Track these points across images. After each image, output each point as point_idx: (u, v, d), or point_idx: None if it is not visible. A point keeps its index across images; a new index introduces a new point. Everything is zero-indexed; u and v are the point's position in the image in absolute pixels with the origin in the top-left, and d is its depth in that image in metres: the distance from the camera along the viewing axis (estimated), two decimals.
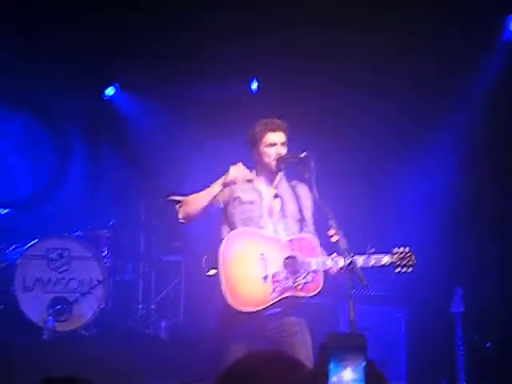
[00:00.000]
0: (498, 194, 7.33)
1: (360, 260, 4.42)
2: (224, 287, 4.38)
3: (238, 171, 4.62)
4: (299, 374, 2.06)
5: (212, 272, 4.45)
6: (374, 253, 4.53)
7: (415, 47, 7.15)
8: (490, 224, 7.34)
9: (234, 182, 4.61)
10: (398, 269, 4.60)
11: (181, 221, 4.73)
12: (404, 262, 4.58)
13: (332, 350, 2.04)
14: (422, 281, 7.17)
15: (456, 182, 7.44)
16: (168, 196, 4.77)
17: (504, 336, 6.92)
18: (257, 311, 4.43)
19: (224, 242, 4.48)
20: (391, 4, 6.84)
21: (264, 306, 4.44)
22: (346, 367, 2.05)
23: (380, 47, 7.22)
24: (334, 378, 2.04)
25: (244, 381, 2.02)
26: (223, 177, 4.63)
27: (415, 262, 4.60)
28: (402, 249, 4.60)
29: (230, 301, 4.36)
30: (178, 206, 4.71)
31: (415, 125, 7.52)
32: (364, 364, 2.05)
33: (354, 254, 4.31)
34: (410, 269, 4.60)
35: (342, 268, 4.39)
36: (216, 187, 4.64)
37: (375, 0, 6.95)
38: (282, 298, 4.48)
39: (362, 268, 4.33)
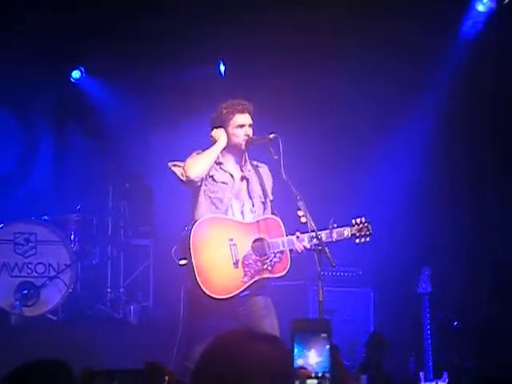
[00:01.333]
0: (471, 170, 7.39)
1: (323, 235, 4.48)
2: (196, 276, 4.38)
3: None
4: (281, 350, 2.07)
5: (183, 262, 4.44)
6: (335, 227, 4.62)
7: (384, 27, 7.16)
8: (460, 201, 7.40)
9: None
10: (357, 240, 4.77)
11: (192, 178, 4.60)
12: (362, 233, 4.76)
13: (297, 333, 2.06)
14: (390, 261, 7.25)
15: (427, 158, 7.50)
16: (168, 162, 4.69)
17: (471, 313, 7.00)
18: (230, 297, 4.43)
19: (192, 230, 4.47)
20: None
21: (237, 292, 4.47)
22: (310, 350, 2.07)
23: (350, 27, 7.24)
24: (300, 360, 2.05)
25: (229, 359, 2.02)
26: (220, 134, 4.68)
27: (371, 231, 4.78)
28: (359, 219, 4.77)
29: (204, 289, 4.36)
30: (182, 167, 4.63)
31: (385, 105, 7.55)
32: (328, 347, 2.07)
33: (318, 230, 4.37)
34: (368, 238, 4.79)
35: (309, 248, 4.42)
36: (221, 143, 4.66)
37: None
38: (254, 282, 4.49)
39: (327, 243, 4.39)
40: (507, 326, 6.71)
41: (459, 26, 7.38)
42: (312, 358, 2.07)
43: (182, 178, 4.59)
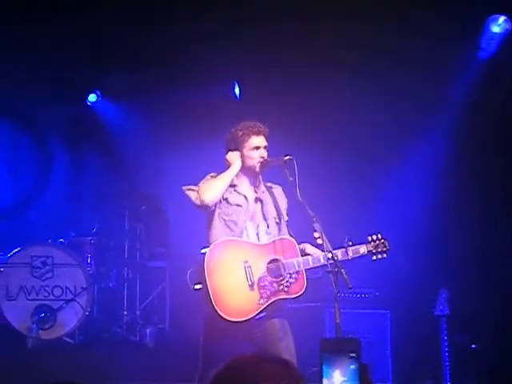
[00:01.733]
0: (484, 195, 7.36)
1: (339, 254, 4.46)
2: (212, 299, 4.37)
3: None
4: (292, 373, 2.07)
5: (198, 286, 4.43)
6: (351, 245, 4.59)
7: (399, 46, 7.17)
8: (476, 223, 7.37)
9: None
10: (374, 256, 4.72)
11: (206, 203, 4.58)
12: (379, 249, 4.71)
13: (323, 353, 2.07)
14: (407, 283, 7.21)
15: (441, 180, 7.48)
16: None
17: (489, 337, 6.95)
18: (247, 320, 4.42)
19: (207, 254, 4.46)
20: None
21: (254, 314, 4.44)
22: (334, 370, 2.07)
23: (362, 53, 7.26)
24: (325, 381, 2.06)
25: (241, 381, 2.02)
26: (235, 158, 4.66)
27: (389, 247, 4.73)
28: (374, 236, 4.72)
29: (219, 312, 4.35)
30: (196, 191, 4.65)
31: (399, 124, 7.55)
32: (354, 367, 2.07)
33: (333, 249, 4.36)
34: (385, 255, 4.73)
35: (326, 266, 4.39)
36: (235, 167, 4.66)
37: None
38: (271, 303, 4.48)
39: (343, 263, 4.37)
40: None
41: (474, 47, 7.37)
42: (337, 378, 2.07)
43: (196, 202, 4.59)
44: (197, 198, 4.57)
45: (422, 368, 6.46)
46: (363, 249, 4.65)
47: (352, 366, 2.08)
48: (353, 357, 2.08)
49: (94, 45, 7.96)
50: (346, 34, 7.13)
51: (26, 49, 7.88)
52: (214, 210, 4.62)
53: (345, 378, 2.09)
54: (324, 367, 2.09)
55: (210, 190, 4.59)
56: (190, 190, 4.65)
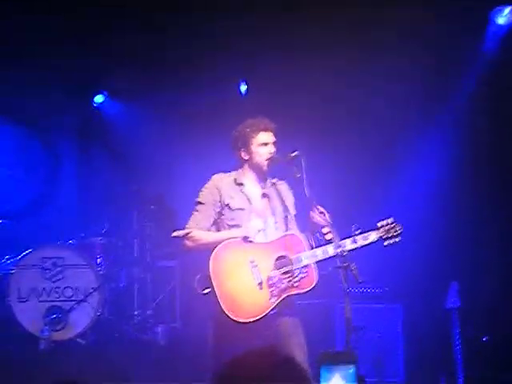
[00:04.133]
0: (498, 186, 7.34)
1: (348, 243, 4.41)
2: (221, 304, 4.37)
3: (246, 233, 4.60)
4: (297, 372, 2.07)
5: (207, 291, 4.43)
6: (359, 233, 4.52)
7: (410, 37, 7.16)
8: (487, 215, 7.35)
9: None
10: (386, 242, 4.60)
11: (184, 250, 4.69)
12: (390, 234, 4.59)
13: (323, 361, 2.07)
14: (418, 276, 7.19)
15: (453, 173, 7.46)
16: (174, 232, 4.71)
17: (502, 329, 6.93)
18: (259, 319, 4.41)
19: (212, 258, 4.46)
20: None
21: (265, 313, 4.42)
22: (334, 374, 2.08)
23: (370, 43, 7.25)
24: None
25: (242, 377, 2.02)
26: (234, 232, 4.59)
27: (401, 230, 4.61)
28: (385, 221, 4.62)
29: (230, 315, 4.35)
30: (183, 236, 4.66)
31: (410, 112, 7.56)
32: (353, 371, 2.08)
33: (342, 239, 4.33)
34: (398, 238, 4.60)
35: (335, 262, 4.37)
36: (224, 237, 4.58)
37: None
38: (281, 300, 4.46)
39: (353, 252, 4.32)
40: None
41: (480, 39, 7.36)
42: (336, 382, 2.07)
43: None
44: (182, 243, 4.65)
45: (435, 362, 6.45)
46: (373, 235, 4.56)
47: (351, 370, 2.08)
48: (351, 364, 2.08)
49: (101, 46, 7.96)
50: (354, 29, 7.12)
51: (31, 49, 7.89)
52: (220, 217, 4.64)
53: (346, 382, 2.09)
54: (323, 373, 2.09)
55: (189, 247, 4.67)
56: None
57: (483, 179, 7.38)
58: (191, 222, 4.69)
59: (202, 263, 4.51)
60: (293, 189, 4.85)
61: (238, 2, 7.04)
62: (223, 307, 4.35)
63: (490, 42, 7.30)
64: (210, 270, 4.42)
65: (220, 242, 4.50)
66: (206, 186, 4.75)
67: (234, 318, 4.35)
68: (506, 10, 7.12)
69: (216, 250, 4.48)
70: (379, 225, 4.60)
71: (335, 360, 2.11)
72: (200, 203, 4.71)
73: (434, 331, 6.67)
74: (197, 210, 4.72)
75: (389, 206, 7.23)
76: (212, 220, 4.64)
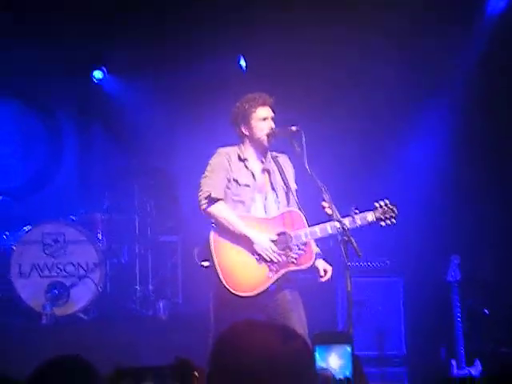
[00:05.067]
0: (497, 162, 7.34)
1: (346, 222, 4.41)
2: (221, 276, 4.38)
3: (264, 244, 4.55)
4: (294, 343, 2.06)
5: (206, 263, 4.44)
6: (357, 213, 4.52)
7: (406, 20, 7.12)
8: (488, 188, 7.35)
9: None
10: (383, 222, 4.60)
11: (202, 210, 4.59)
12: (387, 215, 4.59)
13: (317, 341, 2.06)
14: (419, 250, 7.21)
15: (453, 149, 7.45)
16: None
17: (502, 301, 6.95)
18: (257, 294, 4.42)
19: (212, 231, 4.47)
20: None
21: (264, 288, 4.45)
22: (330, 354, 2.07)
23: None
24: (321, 363, 2.05)
25: (238, 346, 2.02)
26: (252, 234, 4.52)
27: (397, 212, 4.62)
28: (382, 202, 4.62)
29: (229, 288, 4.37)
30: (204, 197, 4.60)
31: (412, 94, 7.53)
32: (350, 350, 2.07)
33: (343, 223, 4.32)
34: (394, 220, 4.61)
35: (336, 236, 4.37)
36: (249, 235, 4.51)
37: None
38: (280, 276, 4.48)
39: (352, 232, 4.32)
40: None
41: (482, 10, 7.32)
42: (333, 360, 2.07)
43: (200, 202, 4.56)
44: (203, 201, 4.55)
45: (436, 335, 6.48)
46: (371, 216, 4.56)
47: (348, 349, 2.07)
48: (347, 343, 2.07)
49: (100, 22, 7.92)
50: (356, 16, 7.09)
51: (30, 26, 7.85)
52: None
53: (342, 361, 2.08)
54: (318, 351, 2.08)
55: (215, 213, 4.54)
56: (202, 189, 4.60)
57: (483, 153, 7.37)
58: (212, 187, 4.57)
59: (203, 238, 4.51)
60: (293, 163, 4.84)
61: None
62: (222, 280, 4.37)
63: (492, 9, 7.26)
64: (211, 242, 4.43)
65: (240, 236, 4.48)
66: (216, 156, 4.69)
67: (233, 291, 4.37)
68: None
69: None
70: (376, 205, 4.60)
71: (330, 340, 2.10)
72: (215, 171, 4.63)
73: (435, 304, 6.69)
74: (214, 176, 4.61)
75: (389, 181, 7.24)
76: (223, 190, 4.61)
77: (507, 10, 7.20)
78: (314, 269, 4.65)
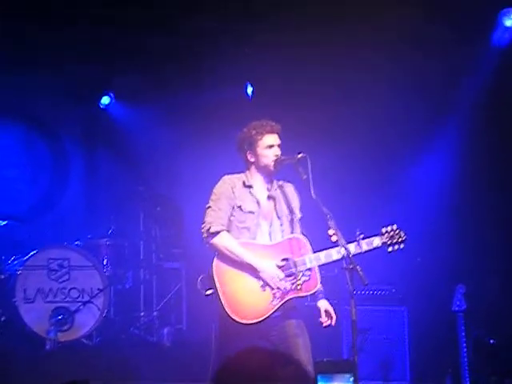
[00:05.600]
0: (501, 190, 7.33)
1: (352, 247, 4.40)
2: (224, 304, 4.37)
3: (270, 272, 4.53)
4: (302, 373, 2.06)
5: (210, 292, 4.43)
6: (363, 238, 4.51)
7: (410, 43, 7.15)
8: (492, 217, 7.34)
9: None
10: (390, 248, 4.59)
11: (205, 241, 4.60)
12: (394, 240, 4.58)
13: (319, 369, 2.06)
14: (424, 279, 7.18)
15: (457, 176, 7.46)
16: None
17: (508, 332, 6.91)
18: (261, 321, 4.41)
19: (215, 259, 4.47)
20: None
21: (267, 315, 4.42)
22: (333, 383, 2.07)
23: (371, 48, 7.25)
24: None
25: (238, 374, 2.01)
26: (257, 262, 4.49)
27: (405, 237, 4.61)
28: (389, 227, 4.60)
29: (233, 316, 4.35)
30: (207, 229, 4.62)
31: (415, 119, 7.56)
32: (352, 380, 2.07)
33: (346, 243, 4.32)
34: (402, 245, 4.59)
35: (342, 263, 4.36)
36: (253, 264, 4.49)
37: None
38: (284, 302, 4.46)
39: (358, 260, 4.31)
40: None
41: (488, 40, 7.35)
42: None
43: (204, 233, 4.58)
44: (205, 234, 4.57)
45: (441, 365, 6.43)
46: (377, 240, 4.54)
47: (351, 379, 2.08)
48: (349, 372, 2.08)
49: (106, 47, 7.98)
50: (359, 35, 7.13)
51: (38, 51, 7.92)
52: (229, 217, 4.63)
53: None
54: (320, 381, 2.08)
55: (218, 245, 4.52)
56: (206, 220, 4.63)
57: (487, 182, 7.37)
58: (214, 219, 4.58)
59: (207, 265, 4.51)
60: (299, 191, 4.85)
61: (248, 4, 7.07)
62: (226, 308, 4.36)
63: (497, 43, 7.28)
64: (214, 270, 4.43)
65: (244, 264, 4.47)
66: (221, 184, 4.71)
67: (237, 319, 4.35)
68: None
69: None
70: (383, 230, 4.59)
71: (333, 368, 2.10)
72: (219, 200, 4.64)
73: (440, 334, 6.65)
74: (217, 207, 4.62)
75: (394, 209, 7.24)
76: (227, 219, 4.62)
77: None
78: (316, 309, 4.62)
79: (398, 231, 4.60)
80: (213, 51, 7.79)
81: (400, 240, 4.59)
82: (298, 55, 7.54)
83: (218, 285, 4.40)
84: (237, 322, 4.35)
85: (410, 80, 7.37)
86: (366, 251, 4.51)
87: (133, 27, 7.56)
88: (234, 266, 4.48)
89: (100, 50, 7.99)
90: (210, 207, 4.64)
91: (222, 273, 4.44)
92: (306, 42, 7.31)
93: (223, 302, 4.37)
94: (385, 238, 4.57)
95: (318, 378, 2.10)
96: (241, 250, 4.50)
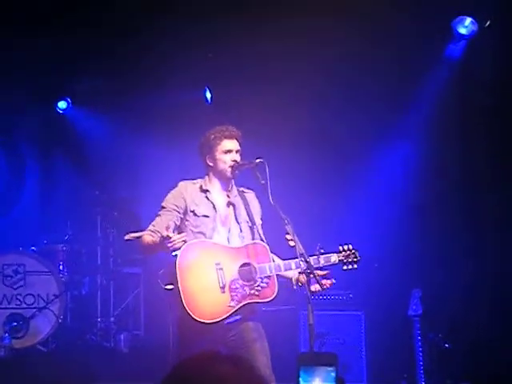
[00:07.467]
0: (462, 194, 7.41)
1: (310, 261, 4.46)
2: (183, 300, 4.37)
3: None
4: (259, 377, 2.05)
5: (170, 287, 4.42)
6: (323, 253, 4.62)
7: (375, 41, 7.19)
8: (448, 225, 7.42)
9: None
10: (345, 266, 4.74)
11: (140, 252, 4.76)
12: (349, 259, 4.73)
13: (301, 366, 2.06)
14: (381, 283, 7.23)
15: (413, 184, 7.52)
16: (127, 234, 4.69)
17: (463, 336, 6.99)
18: (217, 321, 4.41)
19: (179, 254, 4.46)
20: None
21: (224, 316, 4.44)
22: (314, 378, 2.07)
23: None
24: None
25: (187, 380, 2.00)
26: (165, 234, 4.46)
27: (359, 257, 4.76)
28: (346, 246, 4.75)
29: (191, 313, 4.35)
30: (137, 239, 4.65)
31: (373, 126, 7.60)
32: (334, 374, 2.08)
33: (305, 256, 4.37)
34: (355, 265, 4.76)
35: (300, 273, 4.44)
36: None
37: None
38: (241, 306, 4.48)
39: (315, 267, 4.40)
40: (500, 345, 6.71)
41: (443, 48, 7.44)
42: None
43: None
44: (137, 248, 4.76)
45: (397, 368, 6.48)
46: (334, 258, 4.69)
47: (332, 374, 2.08)
48: (332, 367, 2.08)
49: (64, 51, 7.91)
50: (320, 33, 7.14)
51: None
52: (183, 222, 4.66)
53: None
54: (302, 375, 2.08)
55: (143, 251, 4.76)
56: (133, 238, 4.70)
57: (447, 187, 7.45)
58: (150, 226, 4.71)
59: (165, 264, 4.50)
60: (260, 198, 4.88)
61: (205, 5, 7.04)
62: (184, 304, 4.35)
63: (451, 51, 7.38)
64: (177, 265, 4.42)
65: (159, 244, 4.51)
66: (172, 191, 4.78)
67: (194, 317, 4.35)
68: (467, 21, 7.19)
69: (184, 247, 4.46)
70: (340, 248, 4.74)
71: (315, 361, 2.10)
72: (163, 208, 4.75)
73: (397, 338, 6.70)
74: (159, 215, 4.75)
75: (352, 214, 7.30)
76: (172, 225, 4.61)
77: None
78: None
79: (353, 251, 4.76)
80: (174, 54, 7.75)
81: (355, 260, 4.75)
82: (260, 58, 7.55)
83: (179, 280, 4.39)
84: (194, 320, 4.34)
85: (370, 81, 7.42)
86: (323, 266, 4.63)
87: (92, 30, 7.50)
88: (198, 264, 4.48)
89: (58, 53, 7.91)
90: (157, 214, 4.74)
91: (185, 269, 4.44)
92: (267, 41, 7.32)
93: (182, 298, 4.36)
94: (341, 256, 4.72)
95: (301, 369, 2.09)
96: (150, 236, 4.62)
